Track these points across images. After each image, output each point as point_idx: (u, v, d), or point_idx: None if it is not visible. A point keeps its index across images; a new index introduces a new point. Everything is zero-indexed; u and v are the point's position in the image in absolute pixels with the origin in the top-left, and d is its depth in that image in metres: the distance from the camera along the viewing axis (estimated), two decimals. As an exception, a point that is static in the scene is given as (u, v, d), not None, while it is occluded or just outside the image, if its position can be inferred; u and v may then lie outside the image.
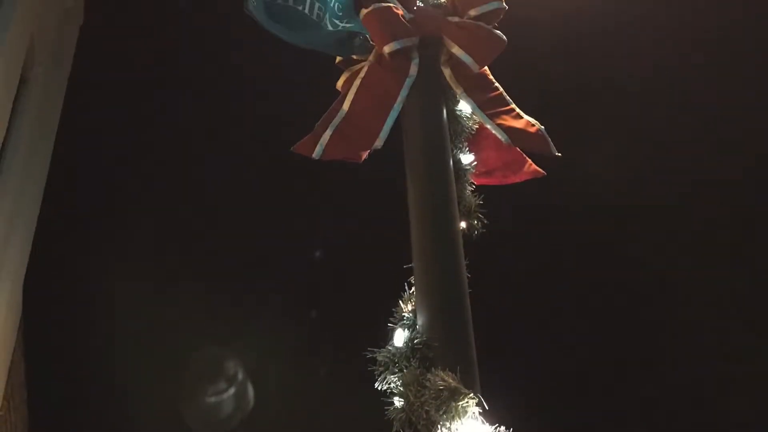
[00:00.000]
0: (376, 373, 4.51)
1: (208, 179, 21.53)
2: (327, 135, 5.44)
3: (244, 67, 20.59)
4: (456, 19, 5.82)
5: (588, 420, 19.30)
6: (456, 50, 5.64)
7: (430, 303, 4.62)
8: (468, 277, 4.80)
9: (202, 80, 21.37)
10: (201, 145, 21.64)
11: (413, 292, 4.78)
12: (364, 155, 5.57)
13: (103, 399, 19.54)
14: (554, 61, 18.91)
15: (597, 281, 20.10)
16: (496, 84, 5.88)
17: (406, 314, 4.69)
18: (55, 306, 18.91)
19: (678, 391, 19.68)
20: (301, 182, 19.24)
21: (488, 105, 5.71)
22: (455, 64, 5.68)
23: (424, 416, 4.17)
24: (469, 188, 5.45)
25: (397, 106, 5.41)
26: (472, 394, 4.11)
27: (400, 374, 4.40)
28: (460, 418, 4.06)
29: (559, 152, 5.75)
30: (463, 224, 5.19)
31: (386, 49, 5.51)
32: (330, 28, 5.77)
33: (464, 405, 4.07)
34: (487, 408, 4.15)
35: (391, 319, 4.72)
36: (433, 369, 4.28)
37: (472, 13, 5.81)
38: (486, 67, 5.86)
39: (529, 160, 5.97)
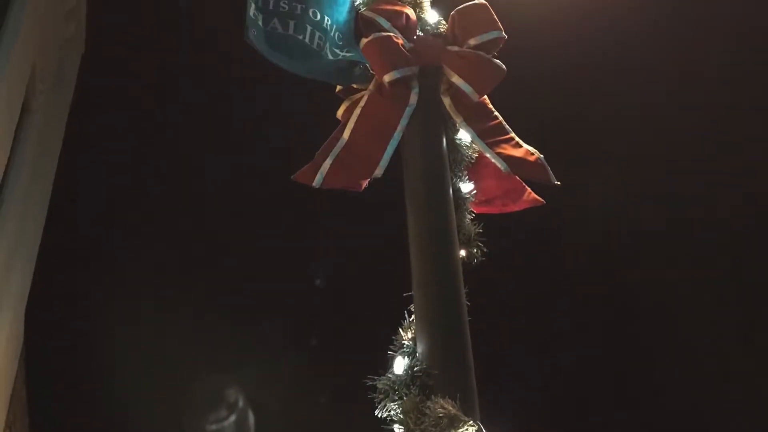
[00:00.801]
0: (376, 400, 4.53)
1: (209, 206, 21.55)
2: (327, 164, 5.45)
3: (244, 94, 20.67)
4: (456, 48, 5.83)
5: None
6: (456, 79, 5.66)
7: (430, 331, 4.63)
8: (468, 305, 4.82)
9: (202, 106, 21.43)
10: (203, 172, 21.69)
11: (413, 319, 4.80)
12: (364, 184, 5.58)
13: (104, 425, 19.48)
14: (553, 90, 18.96)
15: (597, 308, 20.11)
16: (496, 113, 5.89)
17: (406, 342, 4.71)
18: (57, 333, 18.90)
19: (678, 416, 19.64)
20: (302, 210, 19.25)
21: (488, 134, 5.71)
22: (455, 93, 5.69)
23: (424, 444, 4.18)
24: (469, 217, 5.46)
25: (397, 135, 5.43)
26: (471, 422, 4.13)
27: (400, 402, 4.41)
28: (459, 446, 4.07)
29: (558, 181, 5.76)
30: (462, 252, 5.20)
31: (386, 78, 5.52)
32: (330, 57, 5.77)
33: (464, 432, 4.08)
34: (486, 435, 4.16)
35: (391, 346, 4.74)
36: (432, 396, 4.30)
37: (472, 42, 5.83)
38: (485, 96, 5.87)
39: (529, 189, 5.97)
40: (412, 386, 4.41)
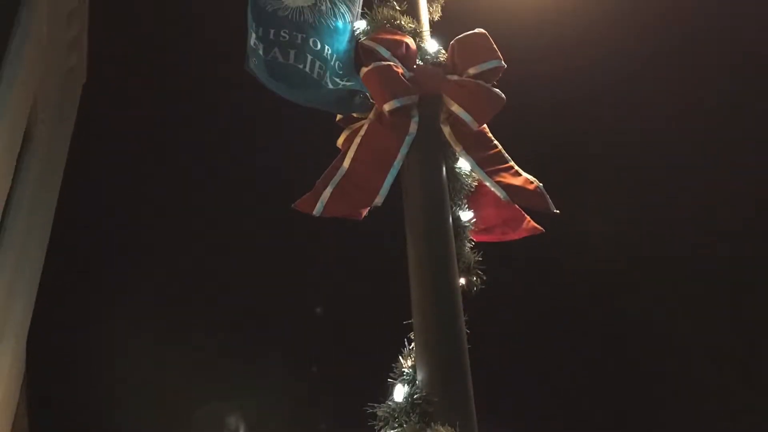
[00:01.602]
0: (376, 428, 4.53)
1: (210, 235, 21.57)
2: (327, 192, 5.45)
3: (245, 123, 20.72)
4: (455, 77, 5.84)
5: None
6: (455, 108, 5.66)
7: (430, 359, 4.64)
8: (467, 332, 4.83)
9: (204, 137, 21.49)
10: (203, 202, 21.71)
11: (413, 347, 4.80)
12: (364, 212, 5.60)
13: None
14: (552, 118, 19.03)
15: (597, 335, 20.09)
16: (495, 141, 5.89)
17: (406, 370, 4.71)
18: (58, 360, 18.89)
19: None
20: (302, 238, 19.27)
21: (487, 162, 5.72)
22: (455, 121, 5.69)
23: (424, 471, 4.18)
24: (469, 245, 5.46)
25: (397, 164, 5.44)
26: (471, 449, 4.13)
27: (400, 429, 4.41)
28: (459, 473, 4.07)
29: (557, 209, 5.77)
30: (462, 280, 5.20)
31: (386, 107, 5.53)
32: (331, 86, 5.77)
33: (463, 459, 4.09)
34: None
35: (391, 374, 4.74)
36: (432, 424, 4.30)
37: (472, 71, 5.84)
38: (485, 125, 5.88)
39: (528, 217, 5.96)
40: (412, 413, 4.41)
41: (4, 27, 12.99)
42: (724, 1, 18.48)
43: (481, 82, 5.84)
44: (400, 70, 5.70)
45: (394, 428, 4.44)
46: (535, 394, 20.08)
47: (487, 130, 5.92)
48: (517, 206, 5.87)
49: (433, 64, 5.95)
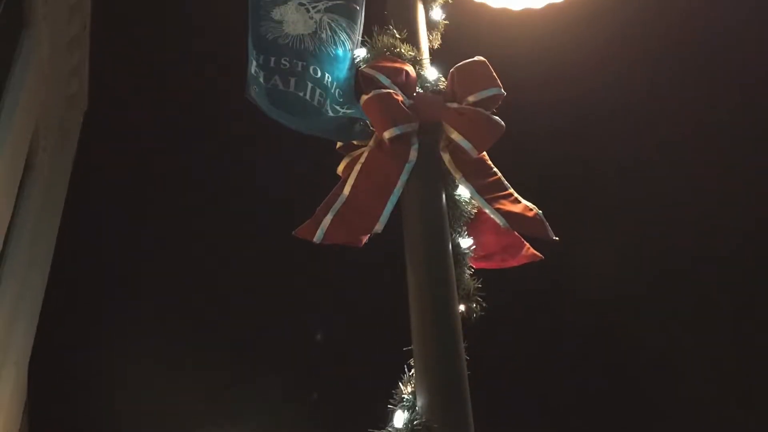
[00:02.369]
0: (376, 454, 4.53)
1: (211, 262, 21.58)
2: (328, 219, 5.46)
3: (246, 151, 20.75)
4: (455, 104, 5.84)
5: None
6: (455, 136, 5.67)
7: (430, 385, 4.64)
8: (467, 359, 4.84)
9: (207, 166, 21.52)
10: (203, 229, 21.72)
11: (413, 373, 4.81)
12: (365, 239, 5.61)
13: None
14: (552, 145, 19.06)
15: (597, 362, 20.07)
16: (495, 169, 5.90)
17: (405, 396, 4.71)
18: (59, 387, 18.88)
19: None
20: (302, 265, 19.28)
21: (487, 190, 5.73)
22: (454, 149, 5.70)
23: (423, 498, 4.19)
24: (468, 272, 5.47)
25: (397, 191, 5.44)
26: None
27: (400, 455, 4.42)
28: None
29: (556, 236, 5.78)
30: (462, 307, 5.22)
31: (386, 134, 5.53)
32: (331, 114, 5.78)
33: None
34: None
35: (390, 400, 4.75)
36: (432, 450, 4.31)
37: (471, 99, 5.84)
38: (485, 152, 5.89)
39: (527, 244, 5.97)
40: (411, 440, 4.42)
41: (6, 54, 13.05)
42: (725, 28, 18.55)
43: (480, 109, 5.84)
44: (400, 98, 5.70)
45: (394, 454, 4.45)
46: (536, 418, 20.05)
47: (487, 157, 5.94)
48: (517, 233, 5.88)
49: (433, 91, 5.95)
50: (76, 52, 16.39)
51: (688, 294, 20.16)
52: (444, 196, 5.52)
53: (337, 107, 5.83)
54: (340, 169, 5.98)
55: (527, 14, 6.95)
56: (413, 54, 6.01)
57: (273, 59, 5.78)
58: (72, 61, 16.32)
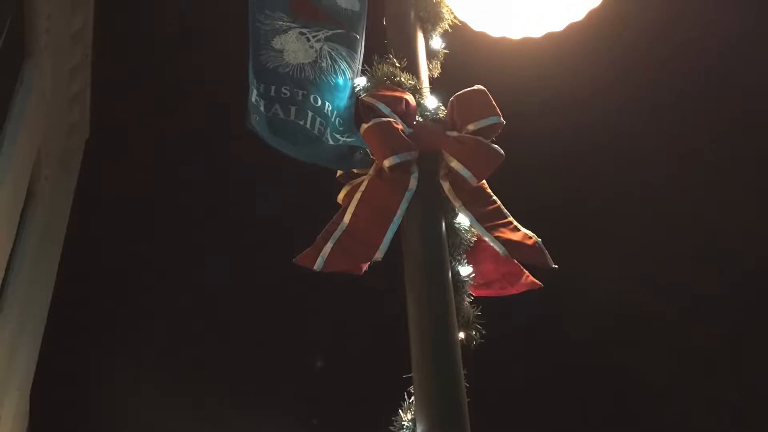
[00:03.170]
0: (376, 481, 4.54)
1: (212, 291, 21.59)
2: (328, 247, 5.46)
3: (247, 179, 20.80)
4: (455, 133, 5.84)
5: None
6: (455, 164, 5.67)
7: (430, 412, 4.63)
8: (467, 386, 4.85)
9: (209, 193, 21.56)
10: (206, 257, 21.76)
11: (413, 401, 4.82)
12: (365, 267, 5.63)
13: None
14: (552, 174, 19.10)
15: (596, 392, 20.03)
16: (494, 197, 5.90)
17: (405, 423, 4.73)
18: (62, 415, 18.86)
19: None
20: (303, 292, 19.28)
21: (486, 218, 5.73)
22: (454, 177, 5.70)
23: None
24: (468, 299, 5.48)
25: (397, 219, 5.44)
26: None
27: (399, 483, 4.43)
28: None
29: (556, 264, 5.80)
30: (461, 335, 5.23)
31: (386, 163, 5.54)
32: (331, 142, 5.80)
33: None
34: None
35: (391, 427, 4.76)
36: (432, 478, 4.31)
37: (471, 127, 5.84)
38: (484, 181, 5.90)
39: (527, 272, 5.98)
40: (412, 467, 4.43)
41: (8, 84, 13.09)
42: (725, 57, 18.62)
43: (480, 138, 5.84)
44: (400, 127, 5.71)
45: (394, 482, 4.46)
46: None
47: (486, 185, 5.95)
48: (516, 261, 5.90)
49: (433, 120, 5.96)
50: (78, 81, 16.44)
51: (689, 323, 20.15)
52: (444, 224, 5.53)
53: (338, 136, 5.85)
54: (340, 197, 5.98)
55: (526, 43, 6.97)
56: (413, 83, 6.02)
57: (273, 88, 5.80)
58: (73, 89, 16.37)
